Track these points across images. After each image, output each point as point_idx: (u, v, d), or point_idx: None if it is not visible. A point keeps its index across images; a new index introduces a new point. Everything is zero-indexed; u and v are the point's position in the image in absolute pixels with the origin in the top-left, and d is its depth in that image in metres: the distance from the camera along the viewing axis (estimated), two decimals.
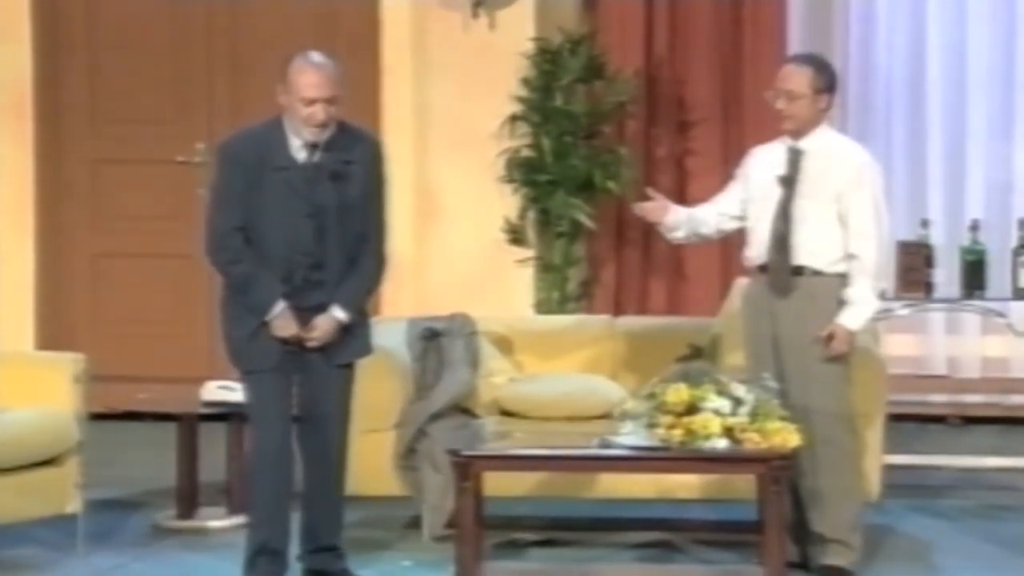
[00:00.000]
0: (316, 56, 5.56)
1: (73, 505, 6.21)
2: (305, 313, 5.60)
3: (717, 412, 5.50)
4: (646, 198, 6.13)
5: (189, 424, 6.77)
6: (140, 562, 6.22)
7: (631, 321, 7.29)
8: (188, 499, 6.74)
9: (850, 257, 5.76)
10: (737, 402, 5.54)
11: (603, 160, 8.51)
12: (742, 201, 5.95)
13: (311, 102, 5.49)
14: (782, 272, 5.79)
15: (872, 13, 8.97)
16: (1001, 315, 7.43)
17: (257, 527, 5.70)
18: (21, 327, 8.91)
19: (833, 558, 5.82)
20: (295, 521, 5.76)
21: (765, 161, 5.92)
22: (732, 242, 8.73)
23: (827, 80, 5.84)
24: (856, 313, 5.76)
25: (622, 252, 8.88)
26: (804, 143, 5.83)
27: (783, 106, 5.81)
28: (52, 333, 8.97)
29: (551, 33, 8.59)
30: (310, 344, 5.60)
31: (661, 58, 8.86)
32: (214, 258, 5.62)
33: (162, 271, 9.03)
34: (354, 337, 5.70)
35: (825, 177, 5.78)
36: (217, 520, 6.67)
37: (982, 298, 7.09)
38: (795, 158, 5.82)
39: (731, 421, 5.50)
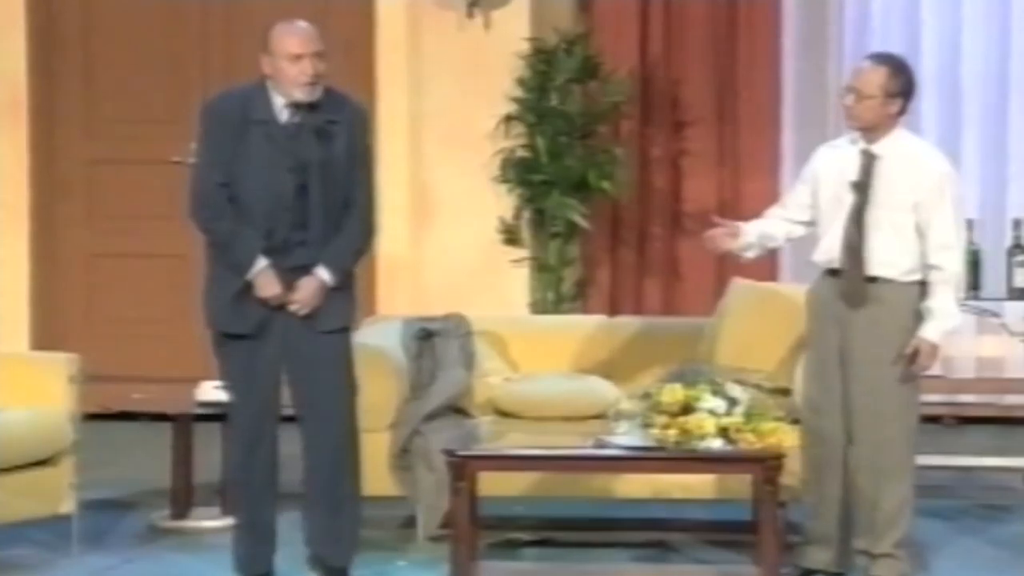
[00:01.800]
0: (296, 21, 5.57)
1: (67, 505, 6.20)
2: (288, 274, 5.49)
3: (712, 412, 5.50)
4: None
5: (184, 424, 6.77)
6: (134, 563, 6.22)
7: (626, 321, 7.29)
8: (183, 500, 6.74)
9: (931, 268, 5.55)
10: (732, 402, 5.54)
11: (598, 160, 8.51)
12: (811, 206, 5.71)
13: (298, 58, 5.45)
14: (856, 282, 5.57)
15: (866, 13, 8.97)
16: (996, 315, 7.43)
17: (241, 526, 5.63)
18: (16, 327, 8.90)
19: (885, 570, 5.66)
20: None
21: (834, 161, 5.68)
22: None
23: (902, 84, 5.59)
24: (939, 325, 5.55)
25: (617, 252, 8.88)
26: (878, 147, 5.59)
27: (850, 103, 5.58)
28: (47, 333, 8.97)
29: (546, 33, 8.59)
30: (293, 308, 5.48)
31: (656, 58, 8.87)
32: (196, 216, 5.54)
33: (157, 271, 9.03)
34: (340, 301, 5.56)
35: (902, 185, 5.56)
36: (212, 521, 6.66)
37: (977, 298, 7.09)
38: (868, 163, 5.58)
39: (726, 421, 5.50)
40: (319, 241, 5.50)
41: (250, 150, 5.46)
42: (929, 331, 5.55)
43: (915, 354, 5.54)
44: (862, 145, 5.62)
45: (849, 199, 5.60)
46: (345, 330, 5.62)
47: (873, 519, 5.63)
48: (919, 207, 5.55)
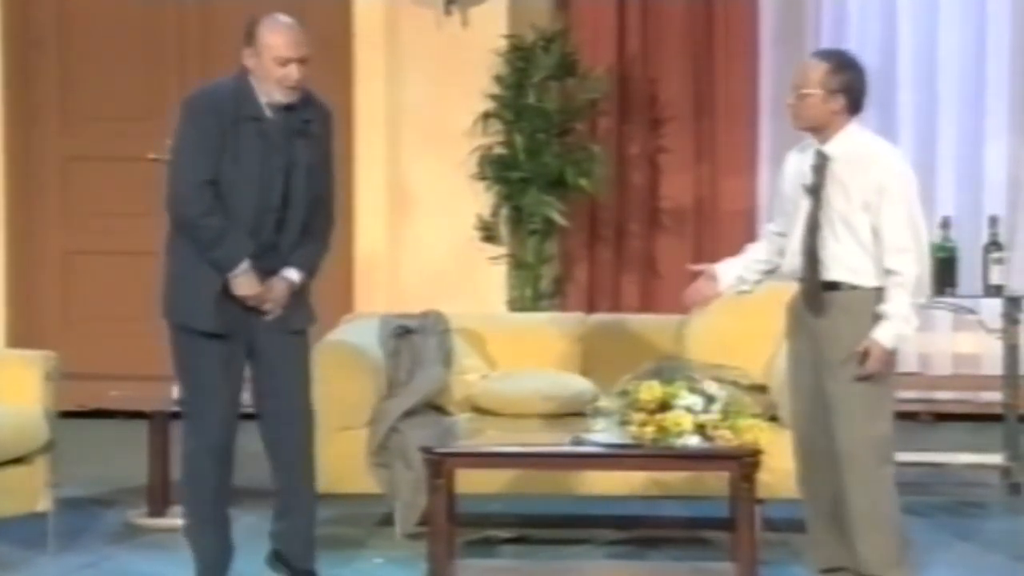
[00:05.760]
0: (285, 17, 5.46)
1: (44, 503, 6.18)
2: (261, 276, 5.40)
3: (689, 409, 5.50)
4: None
5: (161, 422, 6.76)
6: (111, 560, 6.21)
7: (604, 318, 7.30)
8: (159, 497, 6.73)
9: (887, 272, 5.26)
10: (709, 399, 5.54)
11: (576, 157, 8.51)
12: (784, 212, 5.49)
13: (286, 62, 5.35)
14: (813, 289, 5.32)
15: (844, 12, 8.99)
16: (972, 312, 7.46)
17: (196, 529, 5.49)
18: None
19: None
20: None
21: (796, 166, 5.43)
22: (704, 239, 8.79)
23: (846, 80, 5.31)
24: (891, 329, 5.24)
25: (595, 249, 8.89)
26: (829, 147, 5.33)
27: (791, 102, 5.35)
28: (22, 330, 8.94)
29: (524, 30, 8.59)
30: (267, 308, 5.40)
31: (633, 55, 8.87)
32: (183, 211, 5.38)
33: (133, 268, 8.99)
34: (303, 302, 5.52)
35: (853, 185, 5.28)
36: None
37: (953, 295, 7.12)
38: (821, 164, 5.32)
39: (703, 418, 5.50)
40: (291, 244, 5.43)
41: (242, 147, 5.33)
42: (881, 334, 5.25)
43: (865, 355, 5.26)
44: (816, 146, 5.39)
45: (805, 204, 5.35)
46: (306, 331, 5.58)
47: (850, 540, 5.38)
48: (869, 207, 5.27)
